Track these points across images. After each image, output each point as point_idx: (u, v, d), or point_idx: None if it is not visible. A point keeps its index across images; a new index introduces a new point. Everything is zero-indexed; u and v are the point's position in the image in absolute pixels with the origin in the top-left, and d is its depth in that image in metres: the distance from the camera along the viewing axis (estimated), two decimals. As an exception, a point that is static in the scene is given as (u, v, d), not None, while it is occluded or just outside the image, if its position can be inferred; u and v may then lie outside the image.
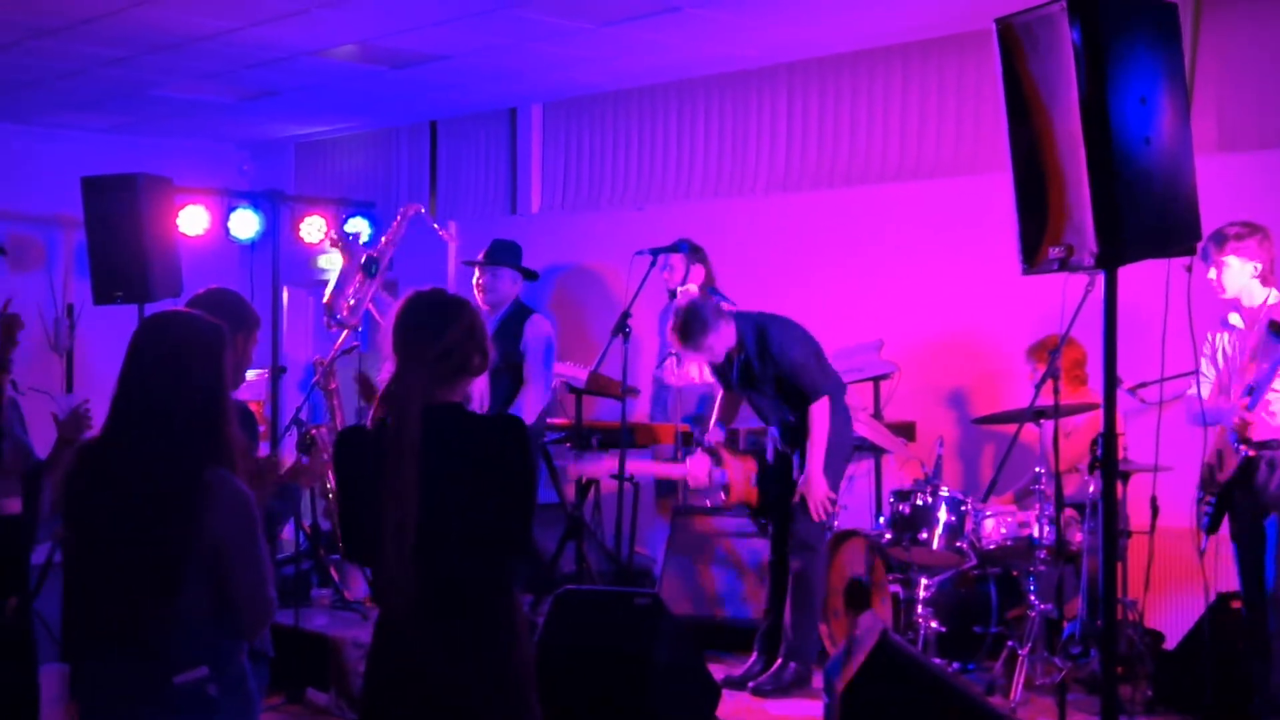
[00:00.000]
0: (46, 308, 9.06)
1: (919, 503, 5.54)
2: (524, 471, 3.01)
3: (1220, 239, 4.59)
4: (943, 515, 5.51)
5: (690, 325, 5.39)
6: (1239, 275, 4.59)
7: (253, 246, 9.19)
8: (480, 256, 6.60)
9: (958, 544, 5.50)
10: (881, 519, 5.88)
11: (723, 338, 5.44)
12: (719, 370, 5.65)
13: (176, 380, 2.91)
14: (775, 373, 5.48)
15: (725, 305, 5.75)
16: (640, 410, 7.27)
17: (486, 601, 3.01)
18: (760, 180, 7.55)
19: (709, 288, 6.90)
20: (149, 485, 2.86)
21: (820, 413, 5.45)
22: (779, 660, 5.54)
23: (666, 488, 6.96)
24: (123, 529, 2.86)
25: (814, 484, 5.46)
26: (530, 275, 6.81)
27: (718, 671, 5.42)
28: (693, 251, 6.78)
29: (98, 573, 2.91)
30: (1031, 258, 3.47)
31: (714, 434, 5.84)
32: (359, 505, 3.02)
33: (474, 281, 6.58)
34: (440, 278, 8.85)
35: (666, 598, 5.83)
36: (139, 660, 2.85)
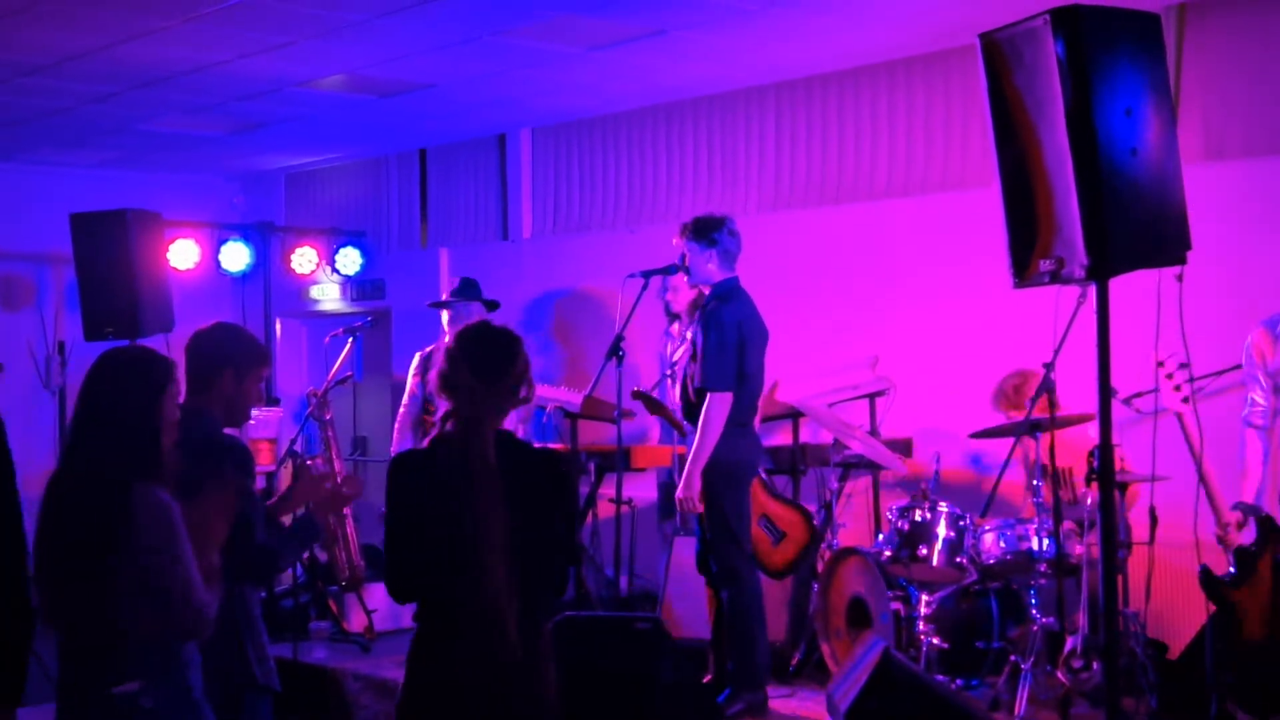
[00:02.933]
0: (38, 345, 9.04)
1: (918, 519, 5.52)
2: (568, 510, 3.17)
3: None
4: (942, 531, 5.49)
5: (701, 222, 5.51)
6: None
7: (244, 278, 9.20)
8: (448, 297, 6.98)
9: (957, 559, 5.48)
10: (880, 536, 5.86)
11: (704, 264, 5.47)
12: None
13: (104, 404, 3.06)
14: (699, 343, 5.43)
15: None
16: (646, 432, 7.27)
17: (530, 633, 3.11)
18: (750, 200, 7.56)
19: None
20: (77, 505, 3.01)
21: (709, 409, 5.33)
22: (727, 691, 5.43)
23: (668, 509, 6.95)
24: (59, 547, 3.01)
25: (686, 483, 5.35)
26: (492, 305, 7.06)
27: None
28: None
29: (46, 592, 3.07)
30: (1022, 271, 3.47)
31: None
32: (421, 528, 3.09)
33: (444, 322, 6.85)
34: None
35: (667, 621, 5.81)
36: (84, 672, 3.00)
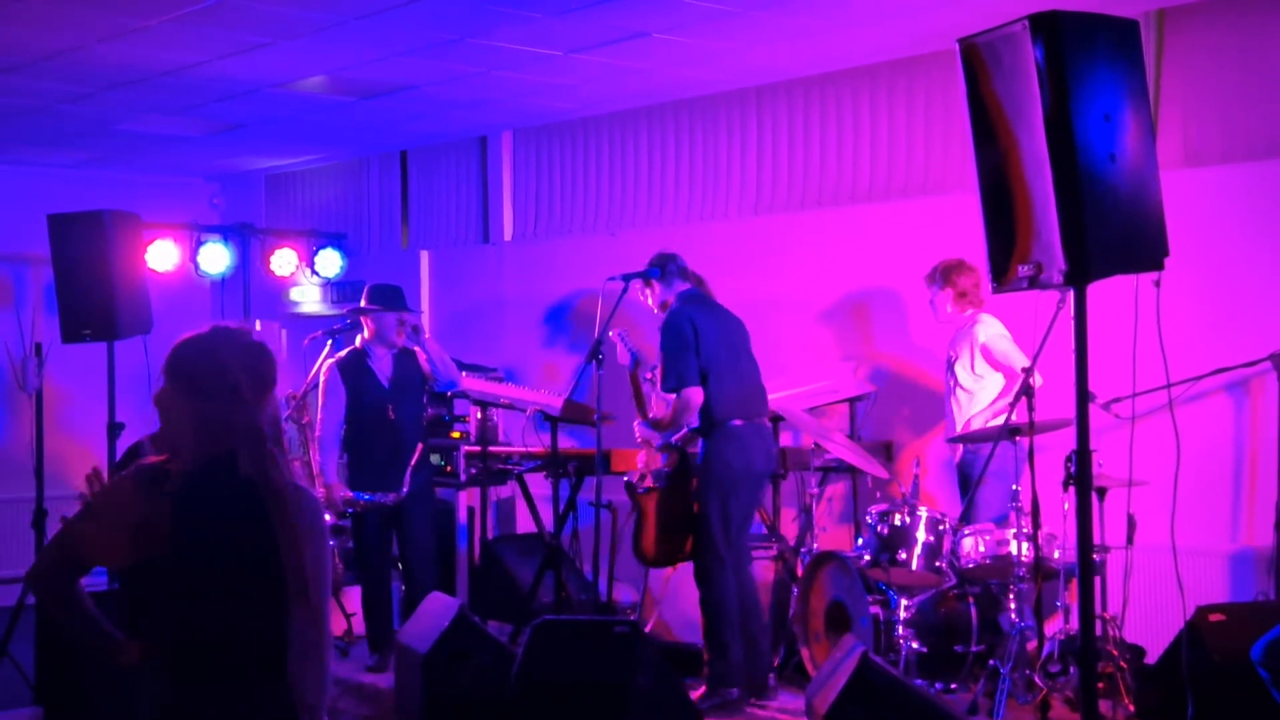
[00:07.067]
0: (14, 347, 8.98)
1: (897, 523, 5.53)
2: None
3: None
4: (921, 535, 5.50)
5: (650, 265, 5.90)
6: None
7: (223, 280, 9.16)
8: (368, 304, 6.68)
9: (937, 564, 5.49)
10: (860, 540, 5.87)
11: (664, 291, 5.86)
12: None
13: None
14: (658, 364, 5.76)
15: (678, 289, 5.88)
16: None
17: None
18: (732, 203, 7.56)
19: None
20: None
21: (674, 408, 5.66)
22: (703, 688, 5.57)
23: None
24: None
25: (639, 430, 5.85)
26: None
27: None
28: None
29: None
30: (1001, 276, 3.48)
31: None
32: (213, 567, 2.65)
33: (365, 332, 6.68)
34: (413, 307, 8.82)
35: (649, 624, 5.81)
36: (191, 690, 2.76)
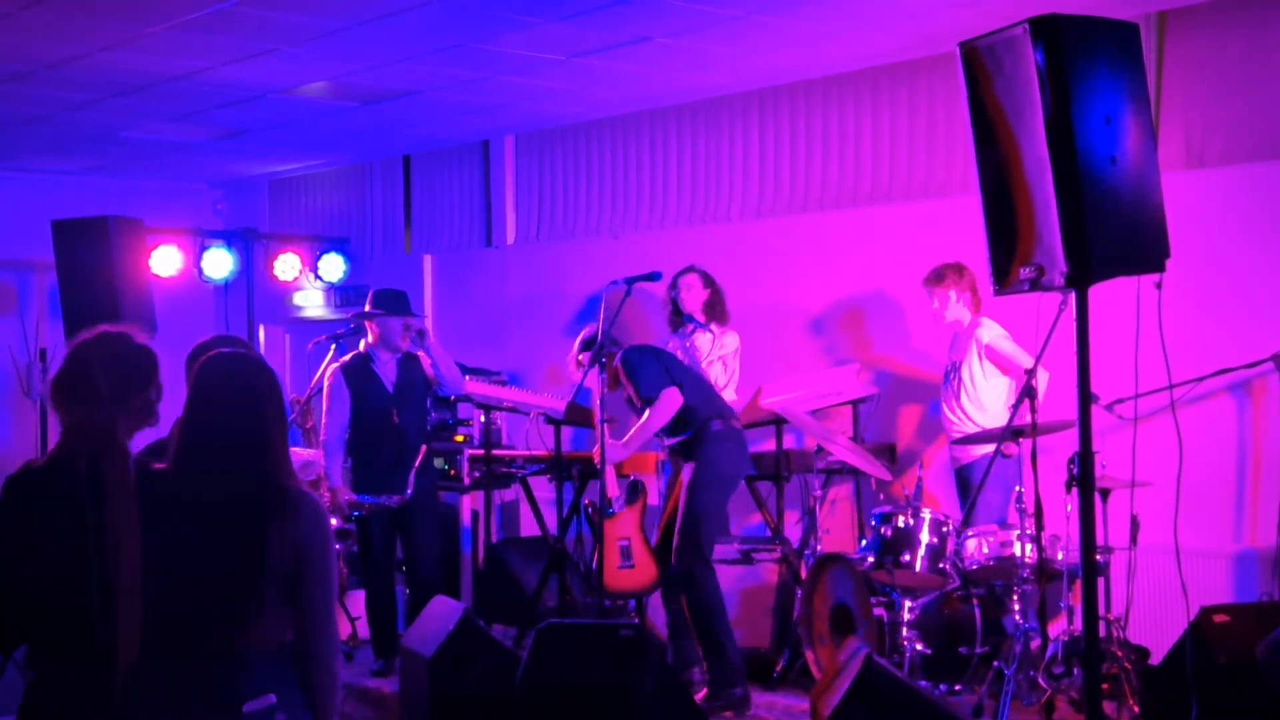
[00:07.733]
0: (19, 352, 9.02)
1: (901, 525, 5.54)
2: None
3: None
4: (925, 537, 5.51)
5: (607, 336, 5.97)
6: None
7: (227, 285, 9.18)
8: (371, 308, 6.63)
9: (940, 565, 5.50)
10: (864, 542, 5.87)
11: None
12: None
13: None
14: (629, 392, 5.88)
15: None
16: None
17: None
18: (734, 206, 7.57)
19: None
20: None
21: (654, 408, 5.74)
22: (705, 690, 5.62)
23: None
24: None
25: (608, 449, 5.77)
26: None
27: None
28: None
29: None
30: (1002, 279, 3.49)
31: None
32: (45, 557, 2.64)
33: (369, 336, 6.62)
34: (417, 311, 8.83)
35: (651, 628, 5.82)
36: (213, 687, 2.77)
